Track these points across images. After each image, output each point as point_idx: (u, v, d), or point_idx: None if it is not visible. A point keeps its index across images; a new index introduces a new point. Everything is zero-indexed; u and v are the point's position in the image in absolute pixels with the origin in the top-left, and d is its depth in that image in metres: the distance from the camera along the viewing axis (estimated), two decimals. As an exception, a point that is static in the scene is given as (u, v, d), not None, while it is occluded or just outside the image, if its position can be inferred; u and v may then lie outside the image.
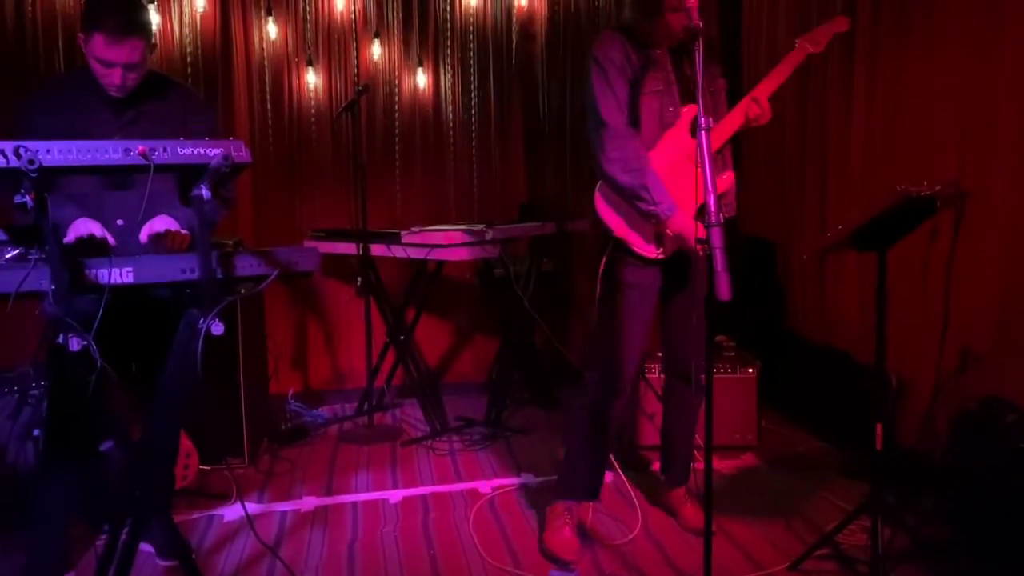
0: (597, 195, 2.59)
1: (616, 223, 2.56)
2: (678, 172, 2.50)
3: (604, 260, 2.59)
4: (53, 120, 2.25)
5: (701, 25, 2.02)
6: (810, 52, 2.51)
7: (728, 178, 2.57)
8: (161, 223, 2.21)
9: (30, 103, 2.34)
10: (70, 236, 2.08)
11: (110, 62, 2.22)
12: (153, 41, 2.35)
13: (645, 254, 2.54)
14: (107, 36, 2.17)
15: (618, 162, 2.45)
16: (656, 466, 3.32)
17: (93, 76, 2.28)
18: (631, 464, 3.29)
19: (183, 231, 2.21)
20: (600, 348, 2.67)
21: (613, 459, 2.83)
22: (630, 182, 2.44)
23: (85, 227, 2.12)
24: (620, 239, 2.56)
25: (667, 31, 2.44)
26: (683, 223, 2.43)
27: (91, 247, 2.06)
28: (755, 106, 2.46)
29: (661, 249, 2.54)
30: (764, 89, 2.47)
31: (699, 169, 1.94)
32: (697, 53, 1.99)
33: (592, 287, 2.62)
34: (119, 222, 2.22)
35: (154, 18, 4.08)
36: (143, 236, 2.21)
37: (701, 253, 2.43)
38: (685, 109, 2.52)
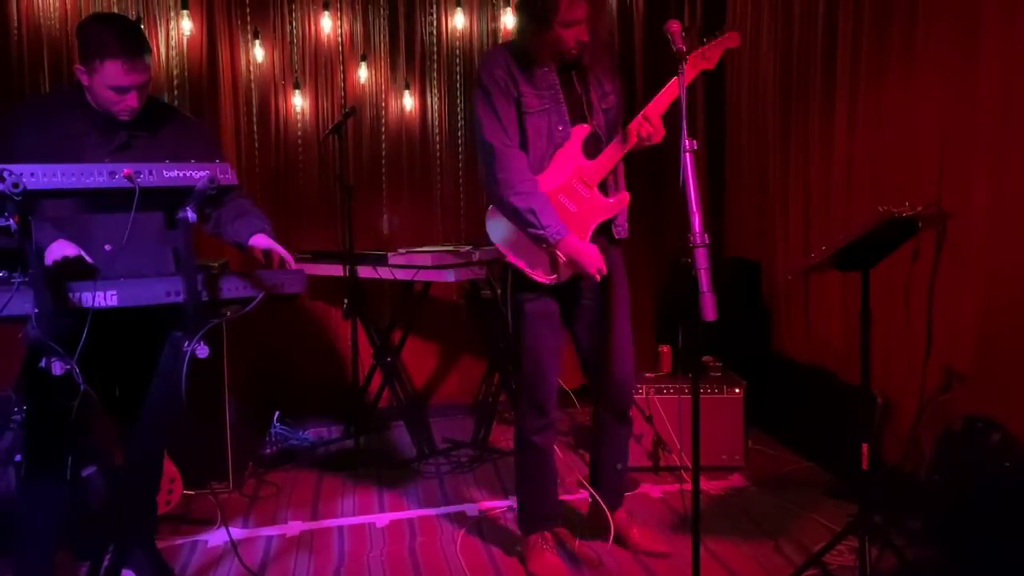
0: (487, 222, 2.54)
1: (507, 249, 2.51)
2: (571, 194, 2.48)
3: (510, 288, 2.55)
4: (40, 140, 2.20)
5: (684, 49, 2.04)
6: (704, 69, 2.46)
7: (623, 199, 2.55)
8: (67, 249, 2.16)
9: (15, 121, 2.28)
10: (51, 258, 2.06)
11: (128, 87, 2.17)
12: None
13: (536, 279, 2.49)
14: (125, 61, 2.13)
15: (504, 184, 2.42)
16: (645, 487, 3.33)
17: (81, 99, 2.23)
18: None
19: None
20: (517, 379, 2.64)
21: (587, 484, 2.80)
22: (519, 204, 2.40)
23: (59, 251, 2.10)
24: (513, 265, 2.52)
25: (557, 46, 2.40)
26: (574, 246, 2.40)
27: (68, 269, 2.04)
28: (646, 125, 2.39)
29: (554, 275, 2.48)
30: (655, 107, 2.41)
31: (683, 190, 1.94)
32: (680, 76, 2.01)
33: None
34: (107, 247, 2.20)
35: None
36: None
37: (599, 278, 2.41)
38: (576, 129, 2.48)
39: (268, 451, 3.89)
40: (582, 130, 2.49)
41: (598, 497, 2.76)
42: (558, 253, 2.41)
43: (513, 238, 2.50)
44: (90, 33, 2.17)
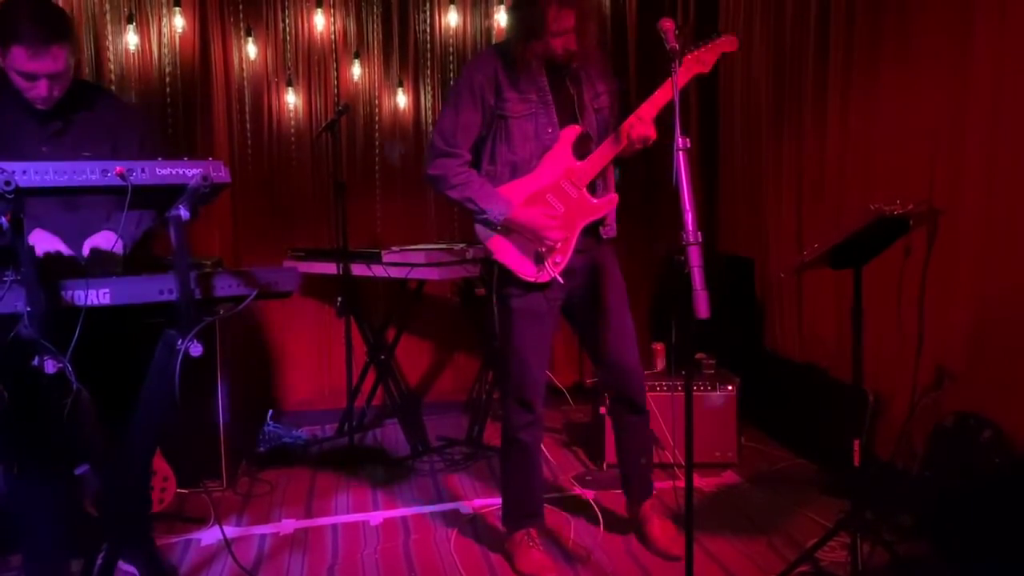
0: (476, 223, 2.56)
1: (493, 247, 2.54)
2: (559, 194, 2.50)
3: (495, 286, 2.57)
4: None
5: (677, 47, 2.04)
6: (698, 73, 2.46)
7: (611, 200, 2.55)
8: (104, 239, 2.18)
9: None
10: (36, 252, 2.05)
11: (33, 74, 2.12)
12: (77, 47, 2.26)
13: (524, 277, 2.51)
14: (27, 47, 2.07)
15: (439, 180, 2.51)
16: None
17: (14, 86, 2.18)
18: (604, 483, 3.29)
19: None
20: (503, 376, 2.66)
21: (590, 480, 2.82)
22: (457, 196, 2.49)
23: (50, 243, 2.10)
24: (500, 263, 2.53)
25: (547, 54, 2.43)
26: (523, 217, 2.44)
27: (61, 265, 2.04)
28: (639, 126, 2.38)
29: (539, 272, 2.49)
30: (648, 108, 2.42)
31: (676, 188, 1.95)
32: (674, 74, 2.02)
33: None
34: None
35: (132, 38, 4.07)
36: (85, 249, 2.18)
37: (557, 245, 2.42)
38: (565, 130, 2.50)
39: (262, 449, 3.89)
40: (572, 131, 2.51)
41: (590, 498, 2.77)
42: (512, 227, 2.46)
43: (497, 236, 2.52)
44: (2, 13, 2.12)
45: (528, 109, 2.50)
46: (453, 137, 2.51)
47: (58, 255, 2.07)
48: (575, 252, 2.53)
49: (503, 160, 2.54)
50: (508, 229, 2.49)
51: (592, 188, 2.55)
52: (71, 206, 2.22)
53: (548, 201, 2.49)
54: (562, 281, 2.50)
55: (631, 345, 2.68)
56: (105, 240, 2.20)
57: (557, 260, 2.50)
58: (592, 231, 2.59)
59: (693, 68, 2.44)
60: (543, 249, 2.48)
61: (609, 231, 2.63)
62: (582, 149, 2.52)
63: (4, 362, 1.87)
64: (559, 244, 2.49)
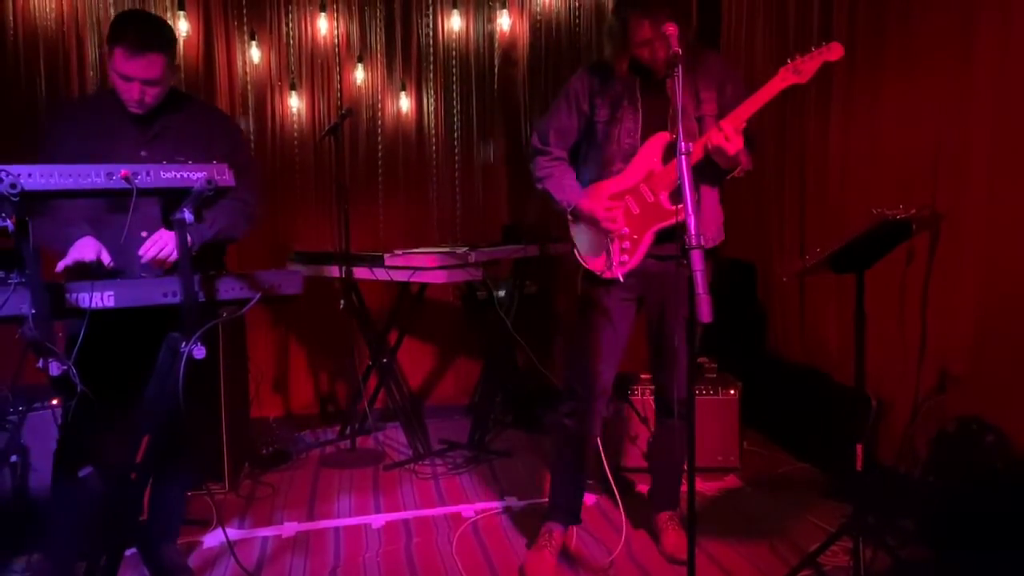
0: (568, 216, 2.66)
1: (575, 240, 2.64)
2: (637, 197, 2.53)
3: (580, 280, 2.64)
4: (76, 140, 2.28)
5: (680, 52, 2.05)
6: (794, 83, 2.34)
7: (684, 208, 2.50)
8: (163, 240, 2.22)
9: (52, 126, 2.39)
10: (64, 262, 2.10)
11: (129, 76, 2.25)
12: (176, 61, 2.37)
13: (594, 270, 2.58)
14: (126, 50, 2.22)
15: (532, 175, 2.69)
16: (641, 487, 3.33)
17: (118, 94, 2.32)
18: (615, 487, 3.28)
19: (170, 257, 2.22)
20: (565, 368, 2.70)
21: (611, 481, 2.83)
22: (540, 188, 2.64)
23: (78, 252, 2.13)
24: (577, 257, 2.63)
25: (639, 63, 2.48)
26: (585, 208, 2.53)
27: (83, 274, 2.05)
28: (716, 135, 2.34)
29: (607, 269, 2.54)
30: (733, 118, 2.36)
31: (679, 192, 1.96)
32: (676, 79, 2.02)
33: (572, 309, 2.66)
34: (143, 233, 2.24)
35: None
36: (146, 244, 2.23)
37: (616, 231, 2.48)
38: (654, 137, 2.51)
39: (264, 452, 3.89)
40: (661, 138, 2.51)
41: (615, 490, 2.81)
42: (579, 215, 2.56)
43: (576, 230, 2.63)
44: (113, 20, 2.31)
45: (615, 115, 2.55)
46: (546, 137, 2.66)
47: (76, 264, 2.09)
48: (653, 258, 2.54)
49: (591, 162, 2.63)
50: (578, 219, 2.60)
51: (674, 194, 2.51)
52: (122, 206, 2.25)
53: (626, 201, 2.53)
54: (622, 279, 2.53)
55: (677, 361, 2.66)
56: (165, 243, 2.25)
57: (623, 260, 2.53)
58: (677, 240, 2.55)
59: (789, 78, 2.32)
60: (606, 240, 2.53)
61: (693, 239, 2.57)
62: (672, 156, 2.50)
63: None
64: (626, 241, 2.52)
